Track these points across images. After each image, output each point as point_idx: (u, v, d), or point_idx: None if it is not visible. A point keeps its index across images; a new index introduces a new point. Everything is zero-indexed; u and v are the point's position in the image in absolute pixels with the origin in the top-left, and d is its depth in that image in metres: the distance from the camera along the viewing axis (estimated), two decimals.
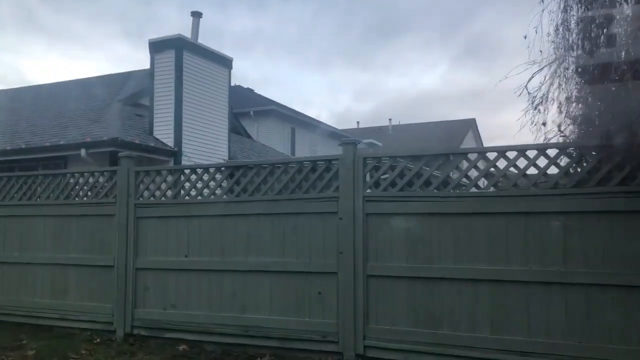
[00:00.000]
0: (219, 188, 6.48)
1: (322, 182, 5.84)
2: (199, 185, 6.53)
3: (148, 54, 12.21)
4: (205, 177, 6.48)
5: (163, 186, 6.70)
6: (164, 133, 11.68)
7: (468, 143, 44.28)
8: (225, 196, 6.37)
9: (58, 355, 5.96)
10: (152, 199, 6.74)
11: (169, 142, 11.71)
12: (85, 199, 7.20)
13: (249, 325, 6.02)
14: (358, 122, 47.45)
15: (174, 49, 11.99)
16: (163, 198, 6.69)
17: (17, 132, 12.50)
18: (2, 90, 17.77)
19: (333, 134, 26.13)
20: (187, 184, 6.59)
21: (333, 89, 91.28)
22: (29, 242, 7.51)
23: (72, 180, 7.27)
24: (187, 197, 6.57)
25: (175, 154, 11.61)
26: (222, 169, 6.60)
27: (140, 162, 11.01)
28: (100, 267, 6.94)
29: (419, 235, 5.38)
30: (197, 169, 6.63)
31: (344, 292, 5.58)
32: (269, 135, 21.09)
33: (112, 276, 6.82)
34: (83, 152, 10.33)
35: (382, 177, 5.68)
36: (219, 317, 6.18)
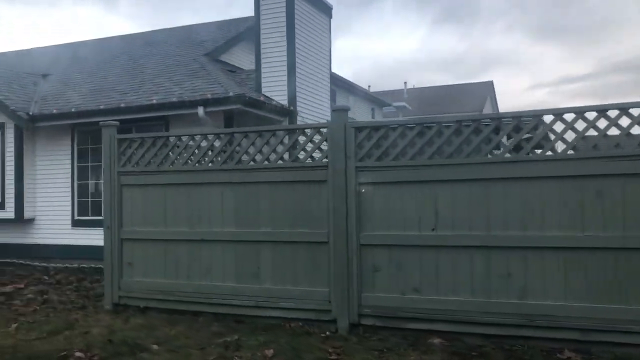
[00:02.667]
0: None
1: None
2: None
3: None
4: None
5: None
6: (274, 90, 10.29)
7: (487, 108, 43.08)
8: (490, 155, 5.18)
9: (299, 355, 4.80)
10: (376, 161, 5.51)
11: (281, 100, 10.35)
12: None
13: (533, 313, 4.90)
14: (369, 86, 45.97)
15: None
16: (392, 161, 5.46)
17: (99, 91, 11.04)
18: (68, 44, 16.07)
19: (367, 96, 24.68)
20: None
21: None
22: (201, 215, 6.26)
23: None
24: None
25: (290, 113, 10.28)
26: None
27: (259, 121, 9.79)
28: (307, 243, 5.74)
29: None
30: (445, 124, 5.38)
31: None
32: None
33: (326, 254, 5.63)
34: (201, 110, 8.96)
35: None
36: (488, 303, 5.05)
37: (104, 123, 6.82)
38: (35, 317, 6.26)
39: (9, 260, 10.89)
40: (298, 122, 10.34)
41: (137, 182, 6.63)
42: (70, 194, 10.80)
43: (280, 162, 5.95)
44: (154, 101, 9.45)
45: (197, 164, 6.39)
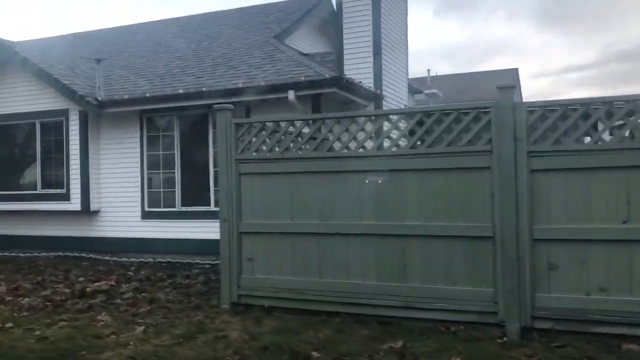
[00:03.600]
0: None
1: None
2: None
3: None
4: None
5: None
6: (359, 73, 9.63)
7: (516, 96, 42.26)
8: None
9: None
10: (554, 145, 4.90)
11: (367, 83, 9.71)
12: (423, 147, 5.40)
13: None
14: None
15: None
16: (576, 143, 4.86)
17: (169, 75, 10.44)
18: (111, 29, 15.46)
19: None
20: None
21: None
22: (334, 207, 5.69)
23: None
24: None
25: (377, 97, 9.67)
26: None
27: (344, 106, 9.20)
28: (465, 237, 5.16)
29: None
30: None
31: None
32: None
33: (490, 250, 5.06)
34: (292, 94, 8.36)
35: None
36: None
37: (218, 106, 6.23)
38: (154, 318, 5.72)
39: (77, 254, 10.37)
40: (384, 107, 9.75)
41: (257, 171, 6.06)
42: (139, 184, 10.25)
43: (429, 149, 5.36)
44: (240, 85, 8.85)
45: (328, 150, 5.81)
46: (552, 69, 67.38)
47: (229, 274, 6.10)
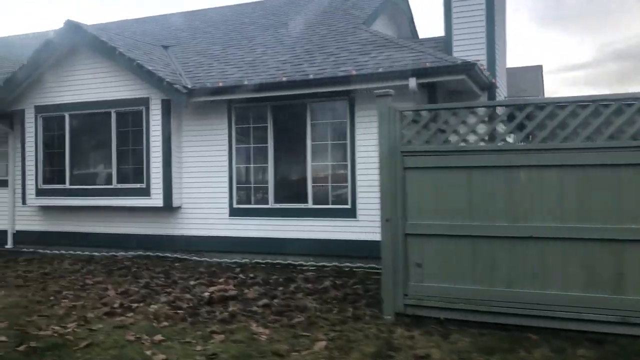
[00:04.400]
0: None
1: None
2: None
3: None
4: None
5: None
6: (471, 58, 8.86)
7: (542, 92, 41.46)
8: None
9: None
10: None
11: None
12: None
13: None
14: None
15: None
16: None
17: (259, 62, 9.71)
18: (172, 14, 14.75)
19: None
20: None
21: None
22: (525, 207, 4.99)
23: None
24: None
25: (491, 87, 8.94)
26: None
27: (456, 97, 8.49)
28: None
29: None
30: None
31: None
32: None
33: None
34: (413, 82, 7.63)
35: None
36: None
37: (380, 92, 5.53)
38: (321, 331, 5.03)
39: (159, 253, 9.70)
40: (498, 98, 9.03)
41: (427, 164, 5.35)
42: (227, 179, 9.54)
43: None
44: (353, 72, 8.12)
45: (522, 141, 5.11)
46: (550, 68, 66.08)
47: (393, 280, 5.41)
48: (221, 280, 7.31)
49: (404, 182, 5.41)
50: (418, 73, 7.68)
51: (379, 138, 5.49)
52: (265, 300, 6.12)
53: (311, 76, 8.38)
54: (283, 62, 9.49)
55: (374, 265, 8.21)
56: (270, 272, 7.92)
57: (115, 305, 5.97)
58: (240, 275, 7.65)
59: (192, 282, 7.18)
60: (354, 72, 8.11)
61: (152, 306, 5.93)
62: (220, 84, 9.00)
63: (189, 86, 9.18)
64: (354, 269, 8.17)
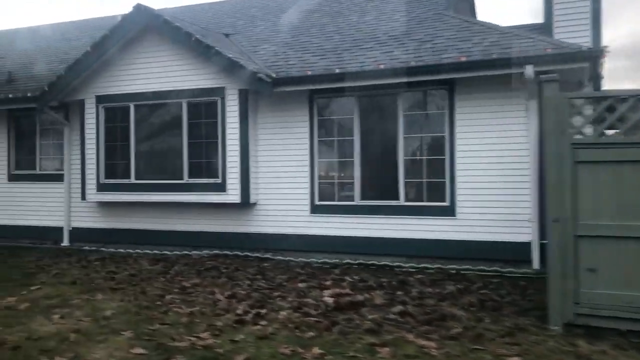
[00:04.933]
0: None
1: None
2: None
3: None
4: None
5: None
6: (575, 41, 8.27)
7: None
8: None
9: None
10: None
11: None
12: None
13: None
14: None
15: None
16: None
17: (345, 50, 9.11)
18: (218, 2, 14.16)
19: None
20: None
21: None
22: None
23: None
24: None
25: (597, 78, 8.38)
26: None
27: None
28: None
29: None
30: None
31: None
32: None
33: None
34: (529, 69, 7.08)
35: None
36: None
37: (545, 77, 4.99)
38: (494, 344, 4.49)
39: (237, 252, 9.17)
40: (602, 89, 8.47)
41: (605, 158, 4.81)
42: (308, 174, 8.99)
43: None
44: (462, 59, 7.56)
45: None
46: None
47: (561, 287, 4.87)
48: (328, 282, 6.77)
49: (576, 177, 4.86)
50: (537, 60, 7.11)
51: (544, 128, 4.94)
52: (399, 307, 5.58)
53: (412, 63, 7.82)
54: (368, 49, 8.92)
55: (483, 268, 7.71)
56: (373, 274, 7.39)
57: (239, 312, 5.43)
58: (347, 278, 7.10)
59: (300, 285, 6.65)
60: (463, 59, 7.54)
61: (280, 313, 5.39)
62: (309, 73, 8.44)
63: (274, 75, 8.62)
64: (462, 272, 7.62)
